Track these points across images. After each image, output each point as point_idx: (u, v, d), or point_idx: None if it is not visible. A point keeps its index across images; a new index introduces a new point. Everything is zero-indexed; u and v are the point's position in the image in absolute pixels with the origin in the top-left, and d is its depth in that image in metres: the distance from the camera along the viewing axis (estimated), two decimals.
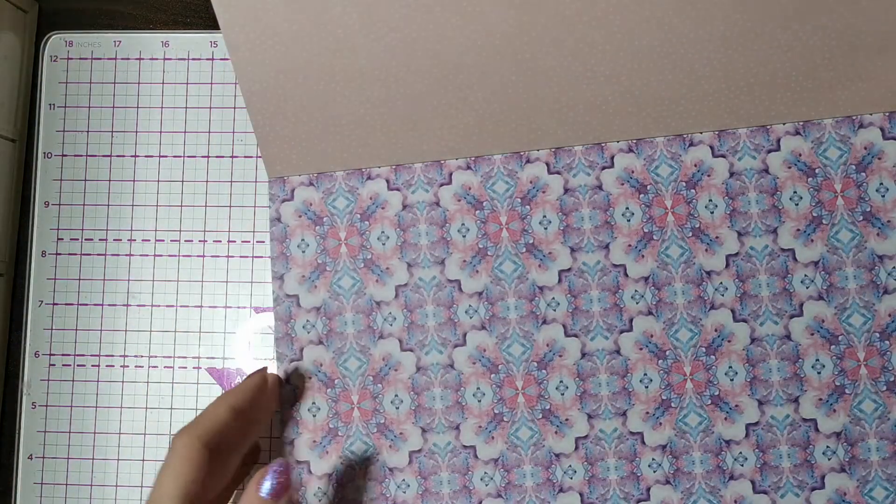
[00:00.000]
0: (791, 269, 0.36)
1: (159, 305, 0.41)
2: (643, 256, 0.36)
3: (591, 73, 0.36)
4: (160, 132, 0.42)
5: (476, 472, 0.35)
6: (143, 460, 0.40)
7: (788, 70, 0.36)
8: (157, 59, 0.42)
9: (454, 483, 0.35)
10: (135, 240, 0.41)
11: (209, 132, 0.42)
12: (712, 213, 0.36)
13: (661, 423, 0.35)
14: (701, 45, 0.36)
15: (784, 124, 0.37)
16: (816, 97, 0.36)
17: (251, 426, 0.34)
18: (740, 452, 0.34)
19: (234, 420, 0.32)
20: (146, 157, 0.42)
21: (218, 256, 0.41)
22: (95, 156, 0.42)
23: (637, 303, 0.36)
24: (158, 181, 0.42)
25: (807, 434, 0.34)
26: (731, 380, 0.35)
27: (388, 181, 0.37)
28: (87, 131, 0.42)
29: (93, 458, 0.40)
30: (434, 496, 0.35)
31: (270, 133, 0.37)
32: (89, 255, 0.41)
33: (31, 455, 0.40)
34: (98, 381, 0.41)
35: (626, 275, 0.36)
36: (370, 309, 0.36)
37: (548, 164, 0.37)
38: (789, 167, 0.36)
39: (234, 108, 0.42)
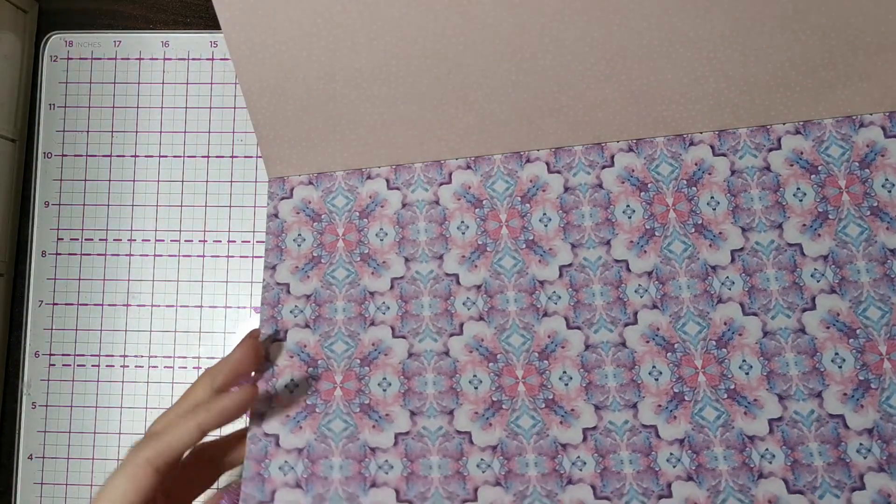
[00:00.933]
0: (799, 263, 0.35)
1: (159, 305, 0.41)
2: (645, 252, 0.36)
3: (591, 73, 0.36)
4: (160, 132, 0.42)
5: (471, 459, 0.34)
6: None
7: (788, 70, 0.36)
8: (157, 59, 0.42)
9: (445, 468, 0.34)
10: (135, 240, 0.41)
11: (209, 132, 0.42)
12: (714, 209, 0.36)
13: (675, 417, 0.34)
14: (701, 44, 0.36)
15: (784, 124, 0.37)
16: (816, 97, 0.36)
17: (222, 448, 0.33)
18: (767, 449, 0.34)
19: (199, 438, 0.31)
20: (146, 157, 0.42)
21: (218, 256, 0.41)
22: (95, 156, 0.42)
23: (641, 297, 0.36)
24: (158, 181, 0.42)
25: (836, 431, 0.34)
26: (747, 373, 0.35)
27: (387, 180, 0.37)
28: (87, 131, 0.42)
29: (93, 458, 0.40)
30: (422, 480, 0.34)
31: (270, 133, 0.37)
32: (89, 255, 0.41)
33: (31, 455, 0.40)
34: (98, 381, 0.41)
35: (628, 270, 0.36)
36: (363, 298, 0.36)
37: (548, 164, 0.37)
38: (791, 165, 0.36)
39: (234, 108, 0.42)
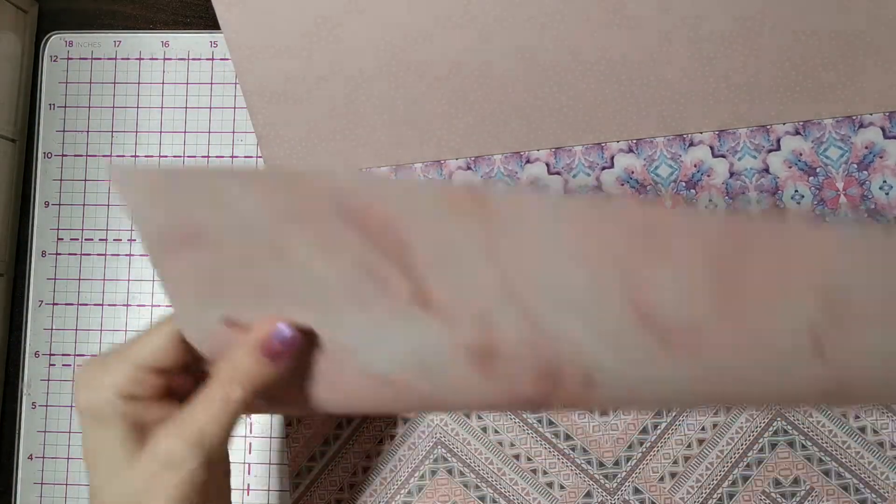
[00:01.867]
0: None
1: (159, 305, 0.41)
2: None
3: (591, 73, 0.36)
4: (160, 132, 0.42)
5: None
6: None
7: (788, 70, 0.36)
8: (157, 59, 0.42)
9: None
10: (135, 240, 0.41)
11: (209, 132, 0.42)
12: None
13: None
14: (701, 44, 0.36)
15: (784, 124, 0.37)
16: (816, 97, 0.36)
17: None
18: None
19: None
20: (146, 157, 0.42)
21: None
22: (95, 156, 0.42)
23: None
24: None
25: None
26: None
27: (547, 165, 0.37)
28: (87, 131, 0.42)
29: None
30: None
31: (270, 133, 0.37)
32: (89, 255, 0.41)
33: (31, 455, 0.40)
34: None
35: None
36: None
37: (548, 165, 0.37)
38: (790, 167, 0.36)
39: (234, 108, 0.42)
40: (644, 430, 0.38)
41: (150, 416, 0.28)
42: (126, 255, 0.41)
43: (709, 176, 0.37)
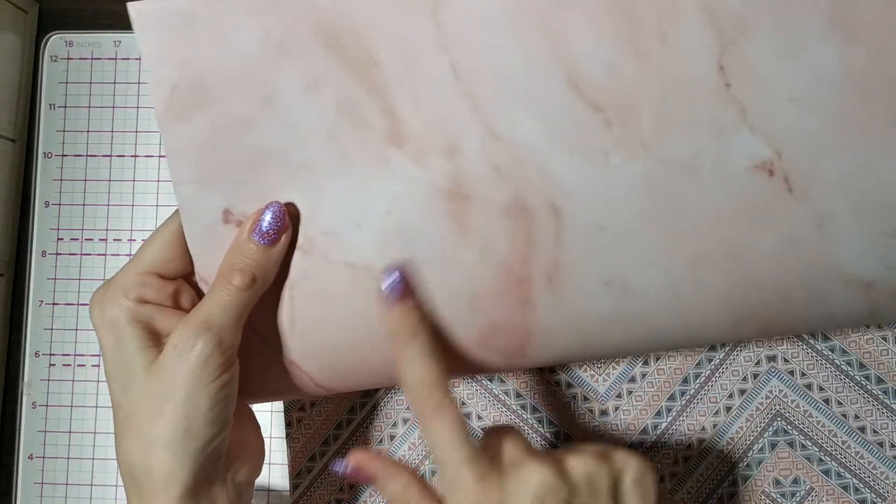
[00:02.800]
0: None
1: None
2: None
3: None
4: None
5: None
6: None
7: None
8: None
9: None
10: (135, 240, 0.41)
11: None
12: None
13: None
14: None
15: None
16: None
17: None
18: None
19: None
20: (146, 157, 0.42)
21: None
22: (95, 156, 0.42)
23: None
24: (158, 181, 0.42)
25: None
26: None
27: None
28: (87, 131, 0.42)
29: (93, 458, 0.40)
30: None
31: None
32: (89, 255, 0.41)
33: (31, 455, 0.40)
34: (98, 381, 0.41)
35: None
36: None
37: None
38: None
39: None
40: (644, 431, 0.38)
41: (163, 322, 0.30)
42: (126, 255, 0.41)
43: None
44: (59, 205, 0.42)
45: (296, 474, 0.39)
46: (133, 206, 0.42)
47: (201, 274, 0.31)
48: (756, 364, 0.38)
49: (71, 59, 0.42)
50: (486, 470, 0.28)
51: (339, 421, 0.39)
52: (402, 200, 0.30)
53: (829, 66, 0.30)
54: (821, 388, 0.38)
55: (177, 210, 0.31)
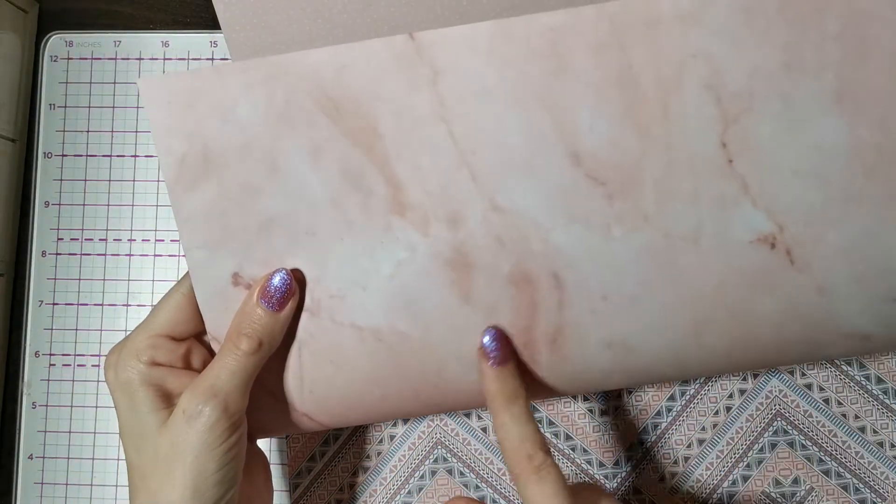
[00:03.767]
0: None
1: None
2: None
3: None
4: None
5: None
6: None
7: None
8: (157, 59, 0.42)
9: None
10: (135, 240, 0.41)
11: None
12: None
13: None
14: None
15: None
16: None
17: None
18: None
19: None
20: (146, 157, 0.42)
21: None
22: (95, 156, 0.42)
23: None
24: (158, 181, 0.42)
25: None
26: None
27: None
28: (87, 131, 0.42)
29: (93, 458, 0.40)
30: None
31: None
32: (89, 255, 0.41)
33: (31, 455, 0.40)
34: (98, 381, 0.41)
35: None
36: None
37: None
38: None
39: None
40: (644, 430, 0.38)
41: (174, 383, 0.31)
42: (126, 255, 0.41)
43: None
44: (59, 205, 0.42)
45: (296, 474, 0.39)
46: (133, 206, 0.41)
47: (213, 333, 0.32)
48: None
49: (71, 59, 0.42)
50: None
51: None
52: (406, 266, 0.31)
53: (833, 141, 0.30)
54: (821, 388, 0.38)
55: (187, 273, 0.32)
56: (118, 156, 0.42)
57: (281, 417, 0.33)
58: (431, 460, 0.39)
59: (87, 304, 0.41)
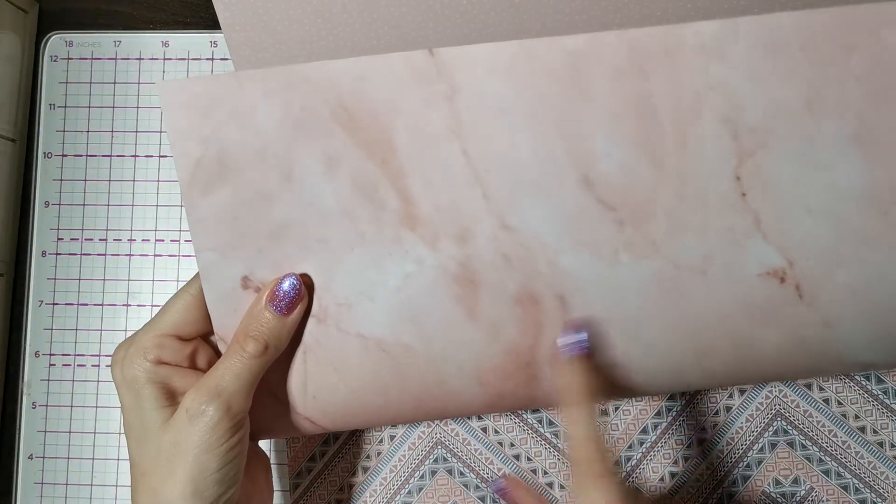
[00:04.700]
0: None
1: (159, 305, 0.41)
2: None
3: None
4: (160, 132, 0.42)
5: None
6: None
7: None
8: (157, 59, 0.42)
9: None
10: (135, 240, 0.41)
11: None
12: None
13: None
14: None
15: None
16: None
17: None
18: None
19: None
20: (146, 157, 0.42)
21: None
22: (95, 156, 0.42)
23: None
24: (158, 181, 0.42)
25: None
26: None
27: None
28: (87, 131, 0.42)
29: (93, 458, 0.40)
30: None
31: None
32: (89, 255, 0.41)
33: (31, 455, 0.40)
34: (98, 381, 0.41)
35: None
36: None
37: None
38: None
39: None
40: (644, 430, 0.38)
41: (179, 382, 0.31)
42: (126, 255, 0.41)
43: None
44: (59, 205, 0.42)
45: (296, 474, 0.39)
46: (133, 206, 0.41)
47: (220, 335, 0.32)
48: None
49: (71, 59, 0.42)
50: None
51: None
52: (413, 280, 0.31)
53: (850, 181, 0.30)
54: (821, 389, 0.38)
55: (196, 274, 0.32)
56: (118, 156, 0.42)
57: (283, 420, 0.33)
58: (431, 460, 0.39)
59: (87, 304, 0.41)
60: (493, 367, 0.32)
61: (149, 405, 0.30)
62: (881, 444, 0.37)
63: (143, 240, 0.41)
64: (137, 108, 0.42)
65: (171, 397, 0.31)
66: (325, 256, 0.31)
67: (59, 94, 0.42)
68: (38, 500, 0.40)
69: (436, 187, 0.31)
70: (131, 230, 0.41)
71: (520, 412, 0.39)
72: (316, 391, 0.32)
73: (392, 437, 0.39)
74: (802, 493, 0.37)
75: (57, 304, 0.41)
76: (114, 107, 0.42)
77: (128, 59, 0.42)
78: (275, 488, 0.38)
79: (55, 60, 0.42)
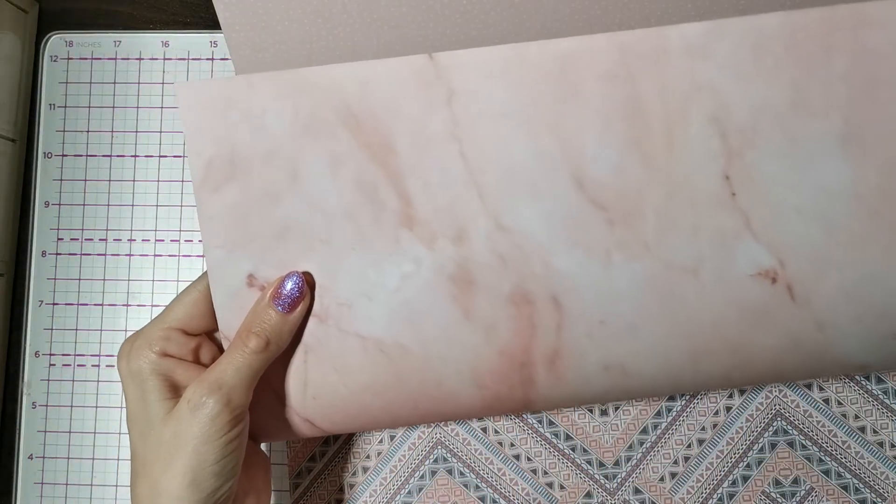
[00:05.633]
0: None
1: (159, 305, 0.41)
2: None
3: None
4: (160, 132, 0.42)
5: None
6: None
7: None
8: (157, 59, 0.42)
9: None
10: (135, 240, 0.41)
11: None
12: None
13: None
14: None
15: None
16: None
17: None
18: None
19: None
20: (146, 157, 0.42)
21: None
22: (95, 156, 0.42)
23: None
24: (158, 181, 0.42)
25: None
26: None
27: None
28: (87, 131, 0.42)
29: (93, 458, 0.40)
30: None
31: None
32: (89, 255, 0.41)
33: (31, 455, 0.40)
34: (98, 381, 0.41)
35: None
36: None
37: None
38: None
39: None
40: (644, 430, 0.38)
41: (183, 375, 0.31)
42: (126, 255, 0.41)
43: None
44: (59, 205, 0.42)
45: (296, 474, 0.39)
46: (133, 206, 0.42)
47: (224, 331, 0.32)
48: None
49: (71, 59, 0.42)
50: None
51: None
52: (411, 280, 0.32)
53: (838, 181, 0.30)
54: (821, 389, 0.38)
55: (205, 272, 0.32)
56: (118, 156, 0.42)
57: (283, 421, 0.33)
58: (431, 460, 0.39)
59: (87, 304, 0.41)
60: (489, 369, 0.32)
61: (153, 397, 0.30)
62: (881, 444, 0.37)
63: (143, 240, 0.41)
64: (137, 108, 0.42)
65: (175, 390, 0.31)
66: (327, 256, 0.32)
67: (59, 94, 0.42)
68: (38, 500, 0.40)
69: (434, 188, 0.31)
70: (131, 230, 0.41)
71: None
72: (316, 392, 0.33)
73: (392, 437, 0.39)
74: (802, 493, 0.37)
75: (57, 304, 0.41)
76: (114, 107, 0.42)
77: (128, 59, 0.42)
78: (275, 488, 0.39)
79: (55, 60, 0.42)
